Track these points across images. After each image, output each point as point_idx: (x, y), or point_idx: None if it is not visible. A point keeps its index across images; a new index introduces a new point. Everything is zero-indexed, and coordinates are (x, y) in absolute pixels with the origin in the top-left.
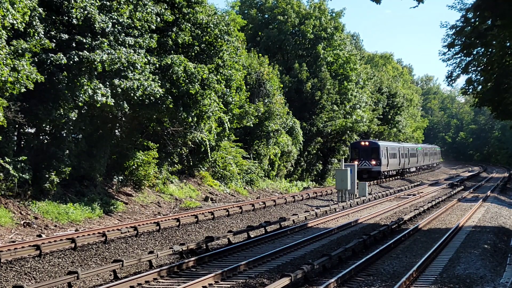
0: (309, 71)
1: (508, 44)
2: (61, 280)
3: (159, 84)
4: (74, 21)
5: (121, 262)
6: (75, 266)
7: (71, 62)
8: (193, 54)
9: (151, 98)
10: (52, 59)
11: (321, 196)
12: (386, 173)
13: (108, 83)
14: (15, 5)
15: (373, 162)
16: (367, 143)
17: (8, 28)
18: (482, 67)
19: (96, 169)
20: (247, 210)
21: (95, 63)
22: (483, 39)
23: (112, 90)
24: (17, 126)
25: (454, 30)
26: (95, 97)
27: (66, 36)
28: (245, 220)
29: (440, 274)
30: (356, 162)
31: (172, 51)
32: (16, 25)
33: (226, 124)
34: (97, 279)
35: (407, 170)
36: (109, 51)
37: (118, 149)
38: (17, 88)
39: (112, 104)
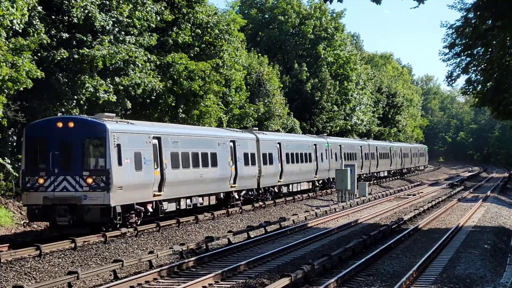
0: (309, 71)
1: (508, 44)
2: (61, 280)
3: (159, 79)
4: (75, 20)
5: (121, 262)
6: (75, 266)
7: (72, 59)
8: (193, 54)
9: (152, 96)
10: (52, 56)
11: (321, 196)
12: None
13: (109, 81)
14: (15, 5)
15: (90, 180)
16: (71, 124)
17: (8, 27)
18: (482, 67)
19: None
20: (247, 210)
21: (96, 58)
22: (483, 39)
23: (113, 88)
24: (17, 125)
25: (454, 30)
26: (97, 94)
27: (67, 35)
28: (245, 220)
29: (440, 274)
30: (40, 180)
31: (172, 51)
32: (16, 24)
33: (224, 124)
34: (97, 279)
35: (284, 187)
36: (109, 48)
37: None
38: (17, 86)
39: (115, 100)
